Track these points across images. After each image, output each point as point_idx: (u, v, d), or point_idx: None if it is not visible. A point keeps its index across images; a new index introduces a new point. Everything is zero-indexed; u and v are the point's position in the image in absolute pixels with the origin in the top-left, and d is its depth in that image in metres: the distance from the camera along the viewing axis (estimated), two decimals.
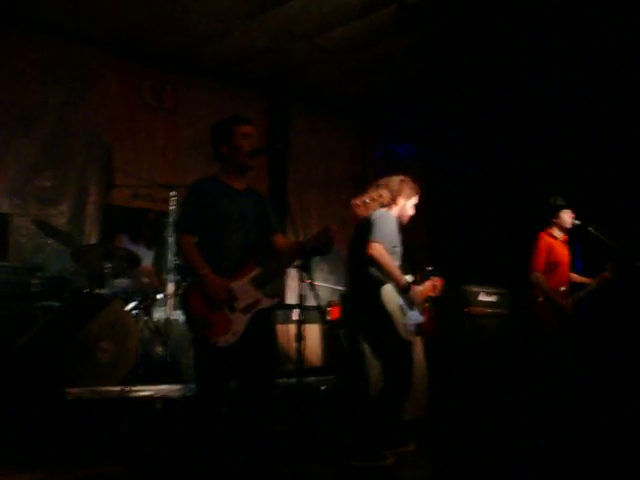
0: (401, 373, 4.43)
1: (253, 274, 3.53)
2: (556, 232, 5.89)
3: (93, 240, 6.69)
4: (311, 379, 5.59)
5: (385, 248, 4.32)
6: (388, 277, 4.35)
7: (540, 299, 5.66)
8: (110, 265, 5.55)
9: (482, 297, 6.88)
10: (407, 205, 4.66)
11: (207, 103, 7.72)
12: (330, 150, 8.83)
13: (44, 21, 6.52)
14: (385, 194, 4.42)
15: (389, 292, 4.36)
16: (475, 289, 6.85)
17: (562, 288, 5.73)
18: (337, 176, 8.89)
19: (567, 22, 6.47)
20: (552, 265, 5.72)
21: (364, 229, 4.39)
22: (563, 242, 5.91)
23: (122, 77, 7.19)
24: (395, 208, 4.60)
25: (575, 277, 6.02)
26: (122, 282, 5.96)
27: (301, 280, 3.31)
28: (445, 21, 6.58)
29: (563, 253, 5.86)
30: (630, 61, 7.06)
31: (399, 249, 4.54)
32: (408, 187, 4.65)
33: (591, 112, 8.03)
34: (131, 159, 7.17)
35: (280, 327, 5.70)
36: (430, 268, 7.47)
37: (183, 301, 3.52)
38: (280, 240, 3.76)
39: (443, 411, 6.26)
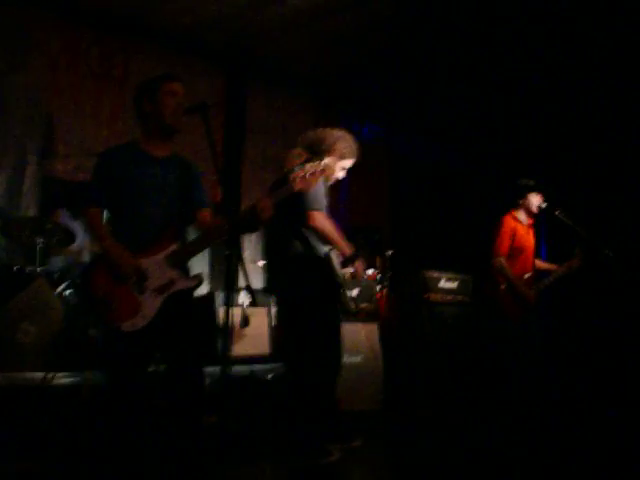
0: (337, 348, 4.11)
1: (169, 251, 3.18)
2: (521, 215, 5.57)
3: (30, 214, 6.25)
4: (257, 368, 5.22)
5: (325, 215, 3.96)
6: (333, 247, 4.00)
7: (502, 286, 5.35)
8: (42, 241, 5.14)
9: (443, 283, 6.55)
10: (337, 165, 4.04)
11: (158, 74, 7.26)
12: (290, 128, 8.44)
13: None
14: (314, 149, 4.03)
15: (335, 261, 4.02)
16: (436, 275, 6.52)
17: (526, 275, 5.42)
18: None
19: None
20: (516, 250, 5.41)
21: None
22: (528, 226, 5.60)
23: (66, 42, 6.74)
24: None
25: (540, 264, 5.72)
26: (58, 260, 5.56)
27: (229, 259, 2.94)
28: None
29: (528, 238, 5.55)
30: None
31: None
32: (344, 145, 4.14)
33: (562, 89, 7.77)
34: (75, 130, 6.73)
35: (221, 310, 5.32)
36: (390, 252, 7.29)
37: (83, 278, 3.17)
38: (205, 215, 3.40)
39: (398, 404, 5.95)
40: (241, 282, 6.54)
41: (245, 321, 5.37)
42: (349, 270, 4.34)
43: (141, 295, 3.10)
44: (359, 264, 4.04)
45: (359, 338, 5.89)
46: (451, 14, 6.71)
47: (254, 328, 5.46)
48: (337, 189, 8.79)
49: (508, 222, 5.45)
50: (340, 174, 4.20)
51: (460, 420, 5.66)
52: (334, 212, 8.53)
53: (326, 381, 4.11)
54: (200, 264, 7.42)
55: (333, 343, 4.11)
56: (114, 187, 3.19)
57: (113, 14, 6.83)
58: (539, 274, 5.59)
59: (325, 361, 4.07)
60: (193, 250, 3.25)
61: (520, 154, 8.39)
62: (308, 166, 3.32)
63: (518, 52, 7.31)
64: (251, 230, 3.28)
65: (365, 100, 8.82)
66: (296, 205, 3.91)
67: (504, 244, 5.35)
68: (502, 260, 5.32)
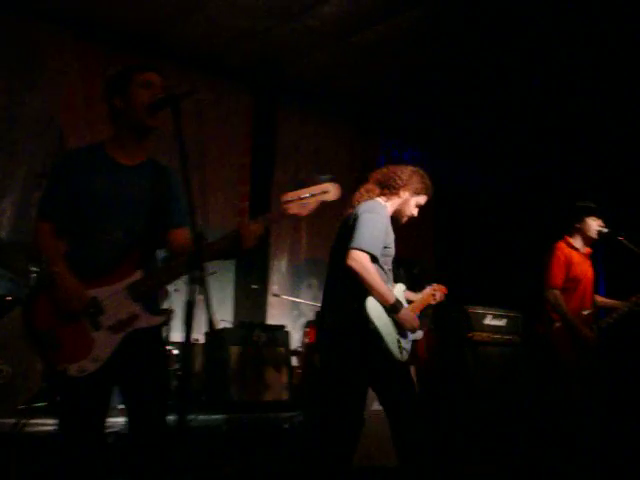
0: (410, 405, 3.43)
1: (131, 280, 2.58)
2: (577, 242, 4.81)
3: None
4: (271, 415, 4.57)
5: (371, 256, 3.34)
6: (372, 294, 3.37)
7: (557, 324, 4.60)
8: (38, 270, 4.64)
9: (489, 321, 5.83)
10: (412, 201, 3.62)
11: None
12: (324, 152, 7.89)
13: None
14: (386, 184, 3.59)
15: (376, 305, 3.36)
16: (481, 311, 5.81)
17: (585, 312, 4.64)
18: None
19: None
20: (572, 282, 4.64)
21: (347, 228, 3.46)
22: (586, 255, 4.85)
23: (82, 62, 6.42)
24: (395, 200, 3.60)
25: (600, 299, 4.93)
26: None
27: (192, 291, 2.34)
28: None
29: (585, 269, 4.78)
30: None
31: (392, 250, 3.55)
32: (419, 181, 3.63)
33: (616, 107, 7.07)
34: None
35: (235, 349, 4.71)
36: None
37: (25, 307, 2.57)
38: (180, 236, 2.77)
39: (438, 459, 5.18)
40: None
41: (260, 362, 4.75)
42: (426, 298, 3.85)
43: (94, 332, 2.51)
44: (404, 316, 3.40)
45: None
46: (502, 31, 6.15)
47: (270, 371, 4.83)
48: None
49: (562, 249, 4.71)
50: (414, 211, 3.67)
51: (508, 477, 4.90)
52: None
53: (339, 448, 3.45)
54: (223, 297, 6.89)
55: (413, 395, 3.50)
56: (70, 198, 2.63)
57: (129, 32, 6.46)
58: (599, 312, 4.82)
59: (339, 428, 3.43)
60: (161, 280, 2.63)
61: (578, 179, 7.65)
62: (308, 189, 2.72)
63: (569, 72, 6.79)
64: (231, 257, 2.72)
65: (406, 123, 8.22)
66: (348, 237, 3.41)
67: (558, 274, 4.60)
68: (557, 293, 4.57)
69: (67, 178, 2.65)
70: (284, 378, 4.83)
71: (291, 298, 6.94)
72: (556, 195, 7.58)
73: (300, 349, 5.77)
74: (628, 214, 6.33)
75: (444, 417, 5.48)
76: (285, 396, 4.84)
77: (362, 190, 3.63)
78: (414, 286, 6.96)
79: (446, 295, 3.93)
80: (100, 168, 2.67)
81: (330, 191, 2.71)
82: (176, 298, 5.71)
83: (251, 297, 7.01)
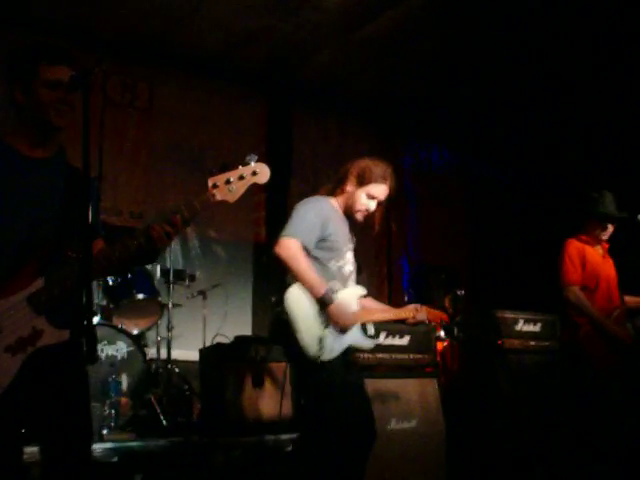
0: (326, 415, 3.10)
1: (32, 289, 2.22)
2: (591, 237, 4.38)
3: None
4: (271, 438, 4.17)
5: (303, 244, 3.12)
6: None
7: (585, 328, 4.09)
8: None
9: (521, 326, 5.29)
10: (359, 194, 3.31)
11: (190, 102, 6.61)
12: (344, 155, 7.48)
13: None
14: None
15: (297, 295, 3.11)
16: (511, 316, 5.26)
17: (615, 312, 4.12)
18: None
19: None
20: (591, 279, 4.19)
21: None
22: (603, 251, 4.39)
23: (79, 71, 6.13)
24: (341, 197, 3.37)
25: (631, 299, 4.40)
26: None
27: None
28: None
29: (604, 265, 4.34)
30: None
31: (339, 244, 3.29)
32: (364, 170, 3.32)
33: None
34: (94, 164, 6.06)
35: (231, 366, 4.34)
36: (462, 292, 6.14)
37: None
38: (96, 248, 2.40)
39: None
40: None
41: (258, 380, 4.38)
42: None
43: None
44: (333, 310, 3.09)
45: (412, 398, 4.75)
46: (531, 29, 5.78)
47: (268, 389, 4.45)
48: (405, 223, 7.84)
49: (573, 244, 4.29)
50: (370, 204, 3.34)
51: None
52: (400, 249, 7.54)
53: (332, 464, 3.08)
54: (241, 310, 6.58)
55: (339, 407, 3.13)
56: None
57: (133, 40, 6.24)
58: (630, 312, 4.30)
59: (334, 436, 3.11)
60: (68, 288, 2.24)
61: (615, 176, 7.08)
62: (235, 171, 2.36)
63: (601, 71, 6.46)
64: (147, 262, 2.47)
65: (433, 122, 7.77)
66: None
67: (573, 270, 4.15)
68: (576, 289, 4.10)
69: None
70: (285, 395, 4.42)
71: None
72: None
73: None
74: None
75: (471, 435, 4.97)
76: (287, 415, 4.43)
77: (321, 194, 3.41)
78: (442, 293, 6.56)
79: (445, 323, 3.80)
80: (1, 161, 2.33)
81: (259, 172, 2.38)
82: (177, 312, 5.42)
83: (270, 309, 6.67)
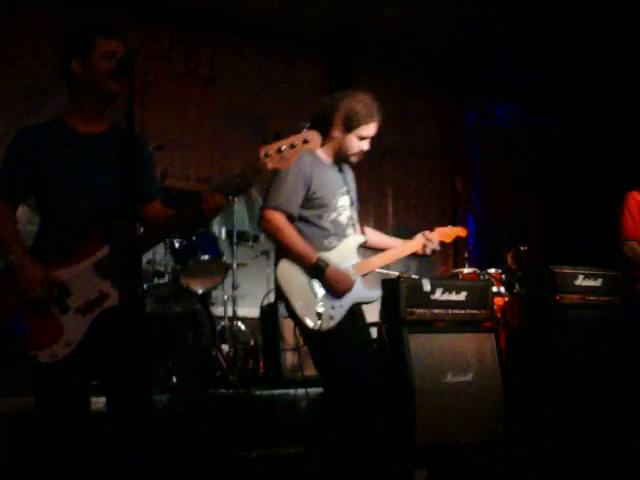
0: (334, 380, 3.05)
1: (97, 257, 2.44)
2: None
3: None
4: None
5: (287, 212, 3.03)
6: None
7: None
8: None
9: (580, 281, 5.24)
10: (349, 138, 3.12)
11: (251, 67, 6.76)
12: (407, 115, 7.50)
13: None
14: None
15: (284, 269, 3.03)
16: (570, 271, 5.21)
17: None
18: (418, 145, 7.55)
19: None
20: None
21: None
22: None
23: (145, 45, 6.34)
24: (329, 144, 3.17)
25: None
26: None
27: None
28: None
29: None
30: None
31: (330, 196, 3.14)
32: (350, 112, 3.09)
33: None
34: (161, 134, 6.33)
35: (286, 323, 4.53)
36: (525, 247, 6.10)
37: None
38: (154, 209, 2.67)
39: (524, 433, 4.75)
40: None
41: None
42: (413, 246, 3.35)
43: (63, 316, 2.41)
44: (329, 277, 3.00)
45: (468, 352, 4.79)
46: None
47: None
48: (470, 177, 7.79)
49: (634, 197, 4.19)
50: (362, 145, 3.18)
51: (602, 454, 4.38)
52: (465, 206, 7.51)
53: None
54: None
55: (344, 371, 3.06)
56: (29, 175, 2.53)
57: (192, 8, 6.38)
58: None
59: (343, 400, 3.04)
60: (132, 254, 2.48)
61: None
62: (287, 140, 2.48)
63: None
64: (201, 226, 2.60)
65: (498, 75, 7.62)
66: None
67: (631, 224, 4.08)
68: (633, 244, 4.04)
69: (24, 154, 2.54)
70: None
71: (379, 270, 6.65)
72: None
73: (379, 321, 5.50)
74: None
75: (529, 388, 5.01)
76: None
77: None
78: (505, 248, 6.51)
79: (462, 238, 3.49)
80: (60, 140, 2.55)
81: (311, 139, 2.47)
82: (242, 271, 5.65)
83: None
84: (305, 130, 2.53)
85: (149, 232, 2.49)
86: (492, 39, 6.93)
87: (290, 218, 3.03)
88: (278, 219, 2.99)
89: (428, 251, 3.31)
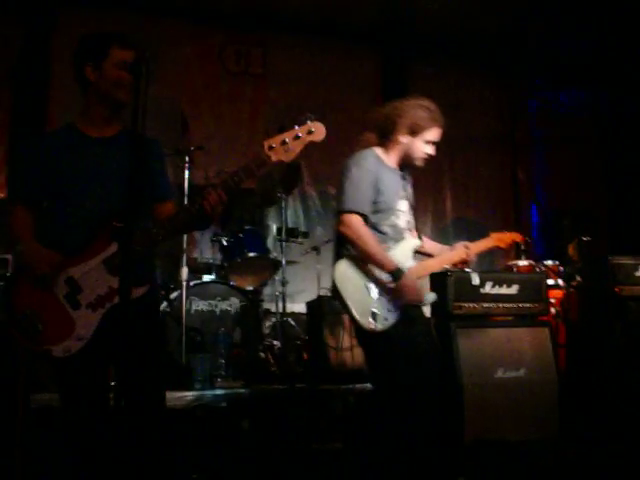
0: (388, 381, 3.05)
1: (107, 253, 2.52)
2: None
3: None
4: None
5: (363, 214, 3.05)
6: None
7: None
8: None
9: None
10: (416, 143, 3.19)
11: (303, 63, 6.78)
12: (466, 106, 7.32)
13: None
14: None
15: (342, 269, 3.06)
16: (630, 262, 4.98)
17: None
18: (477, 136, 7.35)
19: None
20: None
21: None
22: None
23: (198, 46, 6.57)
24: (395, 149, 3.22)
25: None
26: None
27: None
28: None
29: None
30: None
31: (389, 204, 3.17)
32: (416, 117, 3.16)
33: None
34: (213, 133, 6.44)
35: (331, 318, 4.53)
36: (586, 238, 5.88)
37: (5, 291, 2.59)
38: (166, 210, 2.73)
39: (580, 431, 4.58)
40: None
41: None
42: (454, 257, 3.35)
43: (75, 311, 2.49)
44: (403, 284, 3.00)
45: (521, 347, 4.66)
46: None
47: None
48: (532, 167, 7.54)
49: None
50: (428, 150, 3.23)
51: None
52: (528, 197, 7.28)
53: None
54: None
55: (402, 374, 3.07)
56: (41, 178, 2.63)
57: (245, 7, 6.44)
58: None
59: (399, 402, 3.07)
60: (140, 251, 2.52)
61: None
62: (291, 131, 2.50)
63: None
64: (197, 227, 2.74)
65: (560, 61, 7.34)
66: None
67: None
68: None
69: (37, 158, 2.66)
70: None
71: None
72: None
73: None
74: None
75: (586, 384, 4.83)
76: None
77: (360, 137, 3.27)
78: (565, 239, 6.29)
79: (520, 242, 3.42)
80: (71, 144, 2.66)
81: (315, 130, 2.51)
82: (293, 268, 5.66)
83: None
84: (310, 122, 2.51)
85: (154, 230, 2.53)
86: (550, 20, 6.65)
87: (365, 219, 3.07)
88: (357, 224, 3.03)
89: (471, 259, 3.37)
